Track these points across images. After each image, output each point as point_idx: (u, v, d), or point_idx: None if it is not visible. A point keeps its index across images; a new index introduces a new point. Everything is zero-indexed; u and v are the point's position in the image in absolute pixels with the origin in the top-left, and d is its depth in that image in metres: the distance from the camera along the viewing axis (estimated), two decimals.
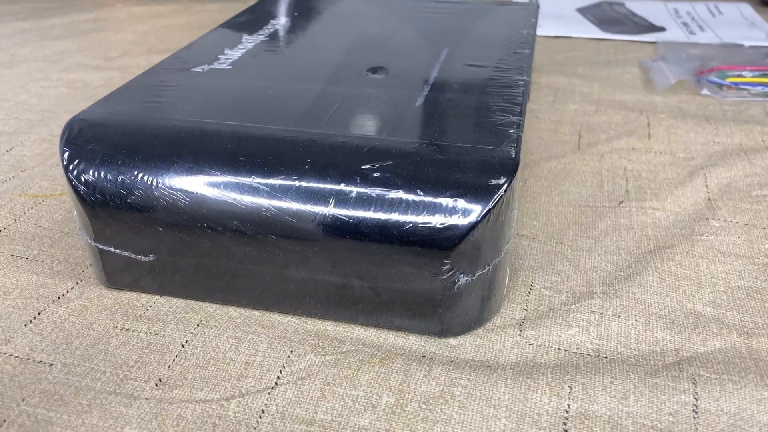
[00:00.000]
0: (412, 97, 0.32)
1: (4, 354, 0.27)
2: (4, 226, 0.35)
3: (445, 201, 0.25)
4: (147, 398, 0.25)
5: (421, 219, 0.25)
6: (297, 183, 0.26)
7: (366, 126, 0.29)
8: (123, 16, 0.74)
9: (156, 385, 0.25)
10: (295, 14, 0.46)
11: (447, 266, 0.26)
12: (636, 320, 0.28)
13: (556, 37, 0.66)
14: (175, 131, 0.29)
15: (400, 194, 0.26)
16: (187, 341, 0.27)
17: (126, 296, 0.30)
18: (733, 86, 0.51)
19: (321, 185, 0.26)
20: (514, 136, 0.28)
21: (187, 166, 0.27)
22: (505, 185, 0.25)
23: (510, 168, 0.26)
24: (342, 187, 0.26)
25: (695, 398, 0.24)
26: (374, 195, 0.26)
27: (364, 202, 0.26)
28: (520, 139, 0.28)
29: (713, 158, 0.41)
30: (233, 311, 0.29)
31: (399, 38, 0.40)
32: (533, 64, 0.52)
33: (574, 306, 0.29)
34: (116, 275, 0.30)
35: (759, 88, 0.51)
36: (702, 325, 0.28)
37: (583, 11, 0.74)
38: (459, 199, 0.25)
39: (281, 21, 0.44)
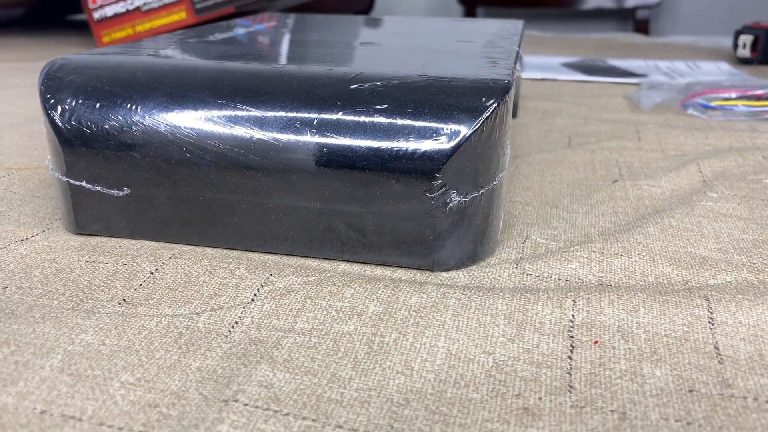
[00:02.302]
0: (405, 55, 0.31)
1: None
2: None
3: (436, 118, 0.24)
4: (108, 313, 0.22)
5: (412, 135, 0.24)
6: (281, 105, 0.25)
7: (356, 63, 0.28)
8: None
9: (119, 304, 0.23)
10: (288, 20, 0.47)
11: (438, 182, 0.24)
12: (639, 258, 0.26)
13: (542, 79, 0.68)
14: (157, 64, 0.28)
15: (391, 111, 0.25)
16: (157, 270, 0.25)
17: (95, 239, 0.28)
18: (718, 108, 0.52)
19: (307, 106, 0.25)
20: (506, 67, 0.28)
21: (168, 91, 0.27)
22: (497, 103, 0.25)
23: (501, 89, 0.25)
24: (329, 110, 0.25)
25: (710, 312, 0.22)
26: (363, 113, 0.25)
27: (352, 121, 0.25)
28: (512, 69, 0.27)
29: (705, 154, 0.41)
30: (209, 250, 0.27)
31: (392, 34, 0.41)
32: (519, 89, 0.53)
33: (572, 248, 0.27)
34: (86, 220, 0.28)
35: (744, 109, 0.51)
36: (710, 264, 0.26)
37: (568, 65, 0.76)
38: (451, 114, 0.24)
39: (273, 23, 0.45)
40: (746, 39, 0.76)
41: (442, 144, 0.24)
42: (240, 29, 0.40)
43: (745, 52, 0.77)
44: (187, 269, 0.25)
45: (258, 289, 0.23)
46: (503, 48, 0.34)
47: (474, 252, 0.26)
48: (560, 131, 0.47)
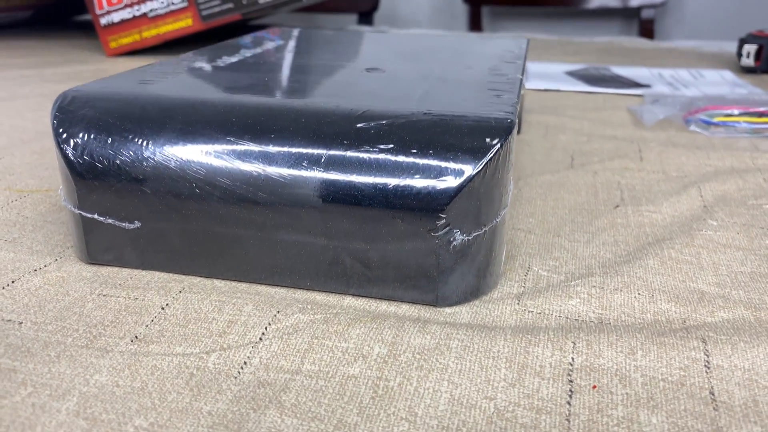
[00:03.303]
0: (409, 86, 0.32)
1: None
2: None
3: (441, 158, 0.25)
4: (121, 352, 0.23)
5: (417, 176, 0.25)
6: (289, 142, 0.26)
7: (362, 98, 0.29)
8: (123, 68, 0.76)
9: (131, 341, 0.24)
10: (294, 36, 0.47)
11: (442, 222, 0.25)
12: (639, 294, 0.27)
13: (546, 90, 0.68)
14: (168, 99, 0.29)
15: (396, 151, 0.25)
16: (167, 304, 0.26)
17: (107, 270, 0.29)
18: (720, 125, 0.52)
19: (314, 144, 0.26)
20: (510, 104, 0.28)
21: (178, 128, 0.27)
22: (500, 144, 0.25)
23: (505, 129, 0.26)
24: (335, 147, 0.26)
25: (706, 355, 0.23)
26: (369, 153, 0.25)
27: (358, 160, 0.25)
28: (515, 109, 0.28)
29: (706, 176, 0.41)
30: (218, 283, 0.28)
31: (396, 53, 0.41)
32: (523, 100, 0.53)
33: (573, 282, 0.28)
34: (98, 249, 0.29)
35: (746, 126, 0.52)
36: (707, 300, 0.27)
37: (571, 73, 0.76)
38: (454, 156, 0.25)
39: (279, 42, 0.45)
40: (750, 48, 0.76)
41: (446, 184, 0.24)
42: (246, 51, 0.41)
43: (749, 62, 0.77)
44: (196, 304, 0.26)
45: (266, 328, 0.24)
46: (507, 77, 0.34)
47: (477, 287, 0.27)
48: (563, 149, 0.47)
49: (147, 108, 0.28)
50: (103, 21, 0.81)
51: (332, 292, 0.27)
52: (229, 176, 0.26)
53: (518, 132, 0.51)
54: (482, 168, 0.25)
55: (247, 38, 0.46)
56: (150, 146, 0.27)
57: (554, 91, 0.68)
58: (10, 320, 0.25)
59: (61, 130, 0.28)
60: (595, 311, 0.26)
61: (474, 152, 0.25)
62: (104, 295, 0.26)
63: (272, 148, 0.26)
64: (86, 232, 0.29)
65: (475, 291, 0.27)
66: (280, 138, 0.26)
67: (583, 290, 0.27)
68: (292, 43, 0.44)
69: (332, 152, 0.26)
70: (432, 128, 0.26)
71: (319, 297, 0.27)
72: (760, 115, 0.53)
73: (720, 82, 0.73)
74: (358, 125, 0.26)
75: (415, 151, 0.25)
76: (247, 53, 0.40)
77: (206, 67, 0.35)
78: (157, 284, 0.27)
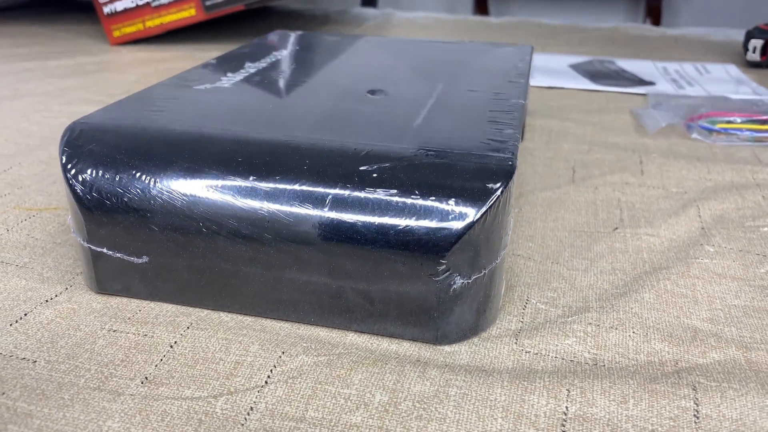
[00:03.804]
0: (411, 113, 0.32)
1: None
2: None
3: (442, 202, 0.25)
4: (132, 395, 0.24)
5: (418, 220, 0.25)
6: (294, 183, 0.27)
7: (364, 134, 0.29)
8: (127, 59, 0.76)
9: (142, 383, 0.24)
10: (298, 47, 0.47)
11: (443, 267, 0.25)
12: (633, 332, 0.28)
13: (549, 87, 0.68)
14: (174, 134, 0.29)
15: (397, 196, 0.26)
16: (176, 342, 0.27)
17: (116, 301, 0.29)
18: (722, 132, 0.52)
19: (318, 186, 0.26)
20: (511, 144, 0.28)
21: (185, 166, 0.28)
22: (502, 188, 0.26)
23: (506, 172, 0.26)
24: (339, 188, 0.26)
25: (696, 404, 0.23)
26: (371, 196, 0.26)
27: (361, 203, 0.26)
28: (516, 147, 0.28)
29: (705, 192, 0.42)
30: (225, 316, 0.28)
31: (398, 69, 0.41)
32: (527, 109, 0.53)
33: (570, 318, 0.29)
34: (107, 279, 0.30)
35: (748, 134, 0.52)
36: (700, 339, 0.27)
37: (575, 67, 0.76)
38: (455, 201, 0.25)
39: (283, 53, 0.45)
40: (757, 43, 0.76)
41: (448, 231, 0.25)
42: (250, 65, 0.41)
43: (755, 56, 0.76)
44: (204, 342, 0.27)
45: (271, 370, 0.25)
46: (509, 103, 0.34)
47: (476, 324, 0.27)
48: (565, 160, 0.47)
49: (154, 144, 0.28)
50: (107, 10, 0.81)
51: (335, 328, 0.28)
52: (235, 216, 0.27)
53: (521, 140, 0.51)
54: (483, 214, 0.25)
55: (249, 48, 0.46)
56: (157, 185, 0.27)
57: (558, 88, 0.68)
58: (24, 358, 0.26)
59: (69, 166, 0.28)
60: (591, 351, 0.27)
61: (475, 198, 0.25)
62: (114, 331, 0.27)
63: (277, 189, 0.27)
64: (95, 264, 0.29)
65: (474, 328, 0.28)
66: (285, 179, 0.27)
67: (579, 328, 0.28)
68: (294, 56, 0.44)
69: (336, 195, 0.26)
70: (434, 172, 0.26)
71: (322, 333, 0.27)
72: (763, 122, 0.53)
73: (725, 78, 0.72)
74: (361, 168, 0.27)
75: (417, 195, 0.26)
76: (251, 68, 0.41)
77: (211, 88, 0.36)
78: (166, 318, 0.28)
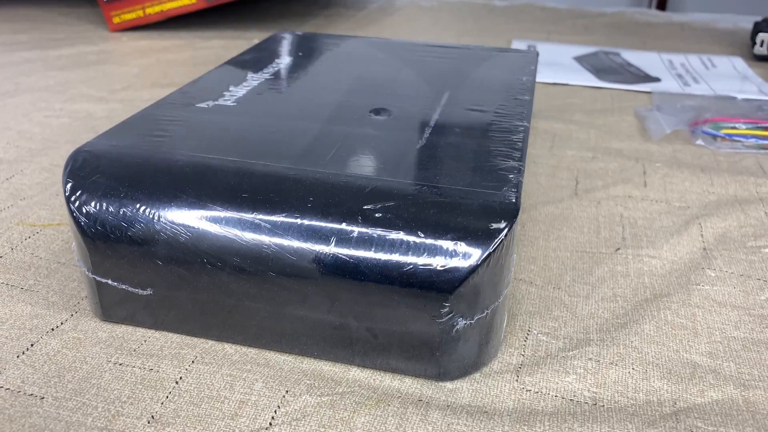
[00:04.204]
0: (413, 139, 0.32)
1: None
2: (1, 255, 0.35)
3: (446, 244, 0.25)
4: None
5: (422, 261, 0.25)
6: (298, 221, 0.27)
7: (368, 166, 0.29)
8: (127, 49, 0.75)
9: (148, 422, 0.25)
10: (299, 54, 0.47)
11: (446, 309, 0.26)
12: (633, 369, 0.28)
13: (554, 84, 0.67)
14: (177, 166, 0.29)
15: (401, 236, 0.26)
16: (181, 378, 0.27)
17: (121, 330, 0.30)
18: (727, 138, 0.52)
19: (322, 224, 0.26)
20: (515, 181, 0.28)
21: (189, 201, 0.28)
22: (506, 230, 0.26)
23: (511, 213, 0.26)
24: (343, 226, 0.26)
25: None
26: (375, 235, 0.26)
27: (364, 242, 0.26)
28: (520, 184, 0.28)
29: (708, 208, 0.42)
30: (229, 348, 0.29)
31: (401, 81, 0.41)
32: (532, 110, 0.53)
33: (571, 353, 0.29)
34: (112, 308, 0.30)
35: (752, 140, 0.52)
36: (699, 376, 0.28)
37: (580, 60, 0.75)
38: (459, 243, 0.25)
39: (285, 60, 0.45)
40: (764, 37, 0.75)
41: (451, 275, 0.25)
42: (252, 77, 0.41)
43: (762, 50, 0.76)
44: (208, 378, 0.27)
45: (275, 411, 0.25)
46: (515, 126, 0.34)
47: (478, 359, 0.28)
48: (568, 169, 0.47)
49: (158, 177, 0.28)
50: None
51: (338, 362, 0.28)
52: (239, 253, 0.27)
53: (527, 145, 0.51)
54: (487, 257, 0.25)
55: (251, 55, 0.46)
56: (161, 219, 0.27)
57: (563, 85, 0.67)
58: (32, 394, 0.26)
59: (73, 198, 0.28)
60: (590, 390, 0.27)
61: (479, 241, 0.25)
62: (120, 364, 0.28)
63: (281, 226, 0.27)
64: (100, 293, 0.30)
65: (476, 363, 0.28)
66: (290, 216, 0.27)
67: (579, 364, 0.28)
68: (295, 67, 0.44)
69: (339, 234, 0.26)
70: (438, 212, 0.26)
71: (325, 368, 0.28)
72: (767, 128, 0.53)
73: (731, 74, 0.72)
74: (365, 207, 0.27)
75: (421, 236, 0.26)
76: (253, 80, 0.40)
77: (213, 107, 0.35)
78: (171, 351, 0.28)
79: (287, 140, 0.32)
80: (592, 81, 0.68)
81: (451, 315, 0.26)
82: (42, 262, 0.34)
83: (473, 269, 0.25)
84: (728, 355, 0.29)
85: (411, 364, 0.27)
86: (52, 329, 0.30)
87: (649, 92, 0.65)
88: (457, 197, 0.27)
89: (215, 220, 0.27)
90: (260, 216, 0.27)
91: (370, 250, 0.26)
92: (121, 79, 0.64)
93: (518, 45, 0.81)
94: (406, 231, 0.26)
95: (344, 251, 0.26)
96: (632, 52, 0.79)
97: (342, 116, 0.35)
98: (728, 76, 0.71)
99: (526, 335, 0.30)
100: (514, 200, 0.27)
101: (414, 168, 0.29)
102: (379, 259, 0.26)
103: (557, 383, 0.27)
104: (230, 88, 0.39)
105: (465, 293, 0.25)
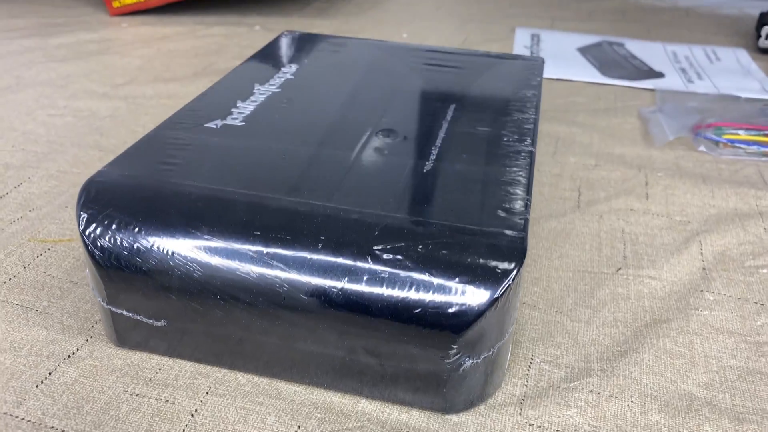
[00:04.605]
0: (419, 166, 0.32)
1: (17, 418, 0.27)
2: (14, 274, 0.35)
3: (455, 287, 0.26)
4: None
5: (431, 303, 0.26)
6: (310, 260, 0.27)
7: (376, 200, 0.30)
8: (128, 37, 0.74)
9: None
10: (305, 61, 0.47)
11: (454, 350, 0.26)
12: (632, 402, 0.29)
13: (558, 79, 0.67)
14: (190, 199, 0.29)
15: (411, 277, 0.26)
16: (196, 410, 0.28)
17: (135, 357, 0.31)
18: (729, 143, 0.53)
19: (334, 263, 0.27)
20: (522, 219, 0.29)
21: (202, 237, 0.28)
22: (514, 272, 0.26)
23: (518, 254, 0.27)
24: (354, 264, 0.27)
25: None
26: (385, 276, 0.27)
27: (374, 282, 0.27)
28: (527, 222, 0.29)
29: (708, 223, 0.43)
30: (241, 378, 0.30)
31: (405, 96, 0.41)
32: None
33: (572, 384, 0.30)
34: (126, 335, 0.31)
35: (754, 147, 0.52)
36: (695, 409, 0.29)
37: (584, 51, 0.75)
38: (468, 286, 0.26)
39: (290, 70, 0.45)
40: None
41: (459, 318, 0.26)
42: (259, 90, 0.41)
43: (767, 43, 0.75)
44: (223, 412, 0.28)
45: None
46: (520, 151, 0.34)
47: (483, 392, 0.29)
48: (571, 178, 0.48)
49: (171, 212, 0.29)
50: None
51: (347, 393, 0.29)
52: (251, 291, 0.28)
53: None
54: (495, 300, 0.26)
55: (256, 62, 0.46)
56: (175, 257, 0.28)
57: (566, 81, 0.67)
58: (53, 427, 0.27)
59: (88, 232, 0.29)
60: (591, 424, 0.28)
61: (488, 284, 0.26)
62: (137, 395, 0.29)
63: (293, 263, 0.27)
64: (115, 322, 0.30)
65: (481, 395, 0.29)
66: (302, 253, 0.27)
67: (580, 396, 0.29)
68: (301, 77, 0.44)
69: (351, 274, 0.27)
70: (448, 254, 0.27)
71: (335, 399, 0.29)
72: (766, 131, 0.53)
73: (734, 68, 0.71)
74: (376, 248, 0.27)
75: (430, 279, 0.26)
76: (260, 94, 0.40)
77: (221, 127, 0.35)
78: (185, 381, 0.29)
79: (296, 168, 0.32)
80: (596, 77, 0.68)
81: (458, 356, 0.27)
82: (55, 282, 0.35)
83: (482, 312, 0.26)
84: (724, 386, 0.30)
85: (418, 397, 0.28)
86: (69, 356, 0.30)
87: (652, 89, 0.65)
88: (466, 237, 0.27)
89: (228, 256, 0.28)
90: (272, 253, 0.27)
91: (381, 290, 0.27)
92: (123, 73, 0.64)
93: (522, 33, 0.81)
94: (416, 272, 0.26)
95: (354, 290, 0.27)
96: (636, 42, 0.79)
97: (349, 138, 0.35)
98: (732, 72, 0.71)
99: (529, 363, 0.31)
100: (521, 242, 0.27)
101: (422, 203, 0.29)
102: (389, 300, 0.26)
103: (559, 417, 0.28)
104: (238, 104, 0.39)
105: (473, 335, 0.26)
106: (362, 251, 0.27)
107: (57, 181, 0.45)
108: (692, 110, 0.58)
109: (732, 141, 0.53)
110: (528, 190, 0.31)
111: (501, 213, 0.29)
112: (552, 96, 0.63)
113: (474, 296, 0.26)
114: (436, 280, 0.26)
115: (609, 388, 0.30)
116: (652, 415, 0.28)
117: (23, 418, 0.27)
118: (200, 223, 0.28)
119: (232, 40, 0.74)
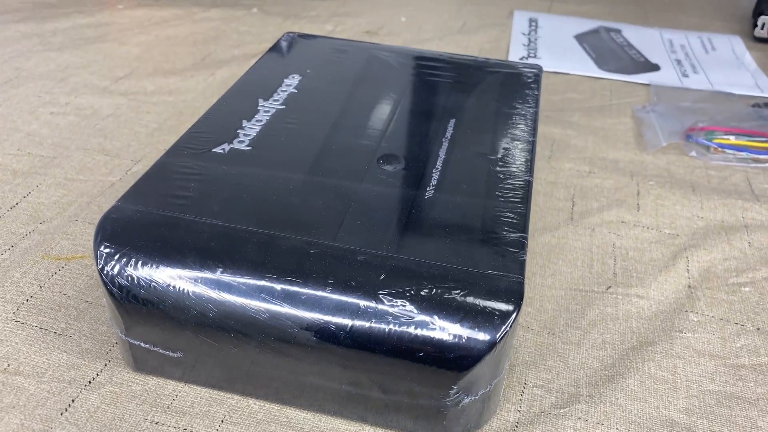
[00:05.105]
0: (421, 199, 0.34)
1: None
2: (31, 295, 0.37)
3: (456, 332, 0.28)
4: None
5: (433, 348, 0.28)
6: (319, 301, 0.29)
7: (380, 241, 0.31)
8: (125, 20, 0.74)
9: None
10: (307, 71, 0.47)
11: (454, 390, 0.28)
12: (617, 429, 0.31)
13: (555, 72, 0.68)
14: (203, 239, 0.31)
15: (414, 321, 0.28)
16: None
17: (153, 382, 0.32)
18: (719, 149, 0.54)
19: (341, 305, 0.29)
20: (520, 260, 0.31)
21: (217, 277, 0.30)
22: (513, 315, 0.28)
23: (517, 299, 0.29)
24: (360, 308, 0.28)
25: None
26: (390, 319, 0.28)
27: (380, 324, 0.28)
28: (524, 263, 0.31)
29: (696, 237, 0.44)
30: (253, 404, 0.32)
31: (406, 111, 0.42)
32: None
33: (562, 411, 0.32)
34: (144, 362, 0.32)
35: (744, 153, 0.54)
36: None
37: (581, 39, 0.75)
38: (469, 331, 0.28)
39: (293, 82, 0.45)
40: (765, 19, 0.75)
41: (461, 362, 0.28)
42: (264, 108, 0.42)
43: (763, 33, 0.76)
44: None
45: None
46: (517, 177, 0.36)
47: (479, 421, 0.31)
48: (565, 186, 0.49)
49: (186, 251, 0.30)
50: None
51: (353, 420, 0.31)
52: (264, 330, 0.29)
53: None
54: (494, 344, 0.28)
55: (259, 73, 0.46)
56: (192, 296, 0.30)
57: (563, 74, 0.68)
58: None
59: (106, 270, 0.30)
60: None
61: (488, 329, 0.28)
62: (156, 423, 0.31)
63: (305, 304, 0.29)
64: (132, 351, 0.32)
65: (477, 424, 0.31)
66: (312, 293, 0.29)
67: (569, 424, 0.31)
68: (304, 92, 0.44)
69: (358, 316, 0.28)
70: (450, 299, 0.28)
71: (342, 427, 0.31)
72: (752, 136, 0.54)
73: (729, 59, 0.72)
74: (381, 293, 0.29)
75: (433, 324, 0.28)
76: (265, 111, 0.41)
77: (229, 152, 0.36)
78: (201, 408, 0.31)
79: (303, 202, 0.33)
80: (592, 70, 0.68)
81: (458, 395, 0.29)
82: (71, 302, 0.37)
83: (481, 356, 0.28)
84: (703, 411, 0.32)
85: (419, 425, 0.30)
86: (89, 381, 0.32)
87: (647, 84, 0.66)
88: (467, 282, 0.29)
89: (242, 295, 0.29)
90: (283, 293, 0.29)
91: (385, 333, 0.28)
92: (123, 63, 0.64)
93: (520, 18, 0.81)
94: (420, 316, 0.28)
95: (360, 330, 0.28)
96: (633, 28, 0.79)
97: (352, 165, 0.36)
98: (726, 63, 0.71)
99: (522, 388, 0.33)
100: (519, 285, 0.29)
101: (423, 242, 0.31)
102: (393, 341, 0.28)
103: None
104: (243, 124, 0.40)
105: (472, 377, 0.28)
106: (369, 294, 0.29)
107: (65, 190, 0.46)
108: (685, 110, 0.59)
109: (722, 146, 0.54)
110: (524, 228, 0.33)
111: (499, 256, 0.31)
112: (548, 92, 0.64)
113: (475, 341, 0.28)
114: (439, 324, 0.28)
115: (596, 415, 0.32)
116: None
117: None
118: (214, 264, 0.30)
119: (229, 25, 0.74)
